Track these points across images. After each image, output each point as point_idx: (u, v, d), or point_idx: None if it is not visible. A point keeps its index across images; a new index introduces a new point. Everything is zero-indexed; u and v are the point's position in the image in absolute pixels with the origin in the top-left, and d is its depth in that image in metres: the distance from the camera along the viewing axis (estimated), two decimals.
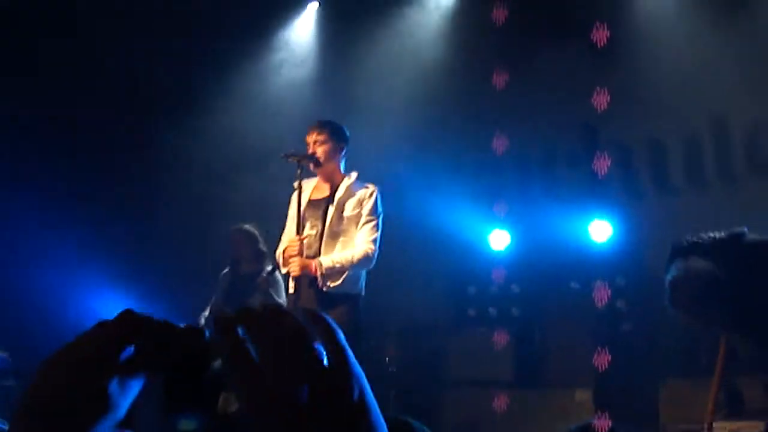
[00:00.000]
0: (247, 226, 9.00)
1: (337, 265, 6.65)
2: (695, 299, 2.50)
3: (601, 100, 8.57)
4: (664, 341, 8.94)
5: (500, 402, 7.58)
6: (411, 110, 10.12)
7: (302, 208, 6.87)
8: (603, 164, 8.57)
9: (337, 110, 8.12)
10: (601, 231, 9.42)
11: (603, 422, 2.32)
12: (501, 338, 8.50)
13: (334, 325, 0.95)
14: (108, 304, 9.20)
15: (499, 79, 8.53)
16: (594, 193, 9.27)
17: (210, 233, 9.89)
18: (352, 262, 6.65)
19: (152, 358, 0.95)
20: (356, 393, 0.91)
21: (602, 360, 7.22)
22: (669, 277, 3.01)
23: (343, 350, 0.93)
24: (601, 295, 7.13)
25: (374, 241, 6.75)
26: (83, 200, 9.39)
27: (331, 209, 6.82)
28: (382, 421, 0.93)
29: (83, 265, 8.95)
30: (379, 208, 6.86)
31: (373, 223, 6.80)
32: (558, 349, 8.89)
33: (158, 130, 9.82)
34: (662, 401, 8.18)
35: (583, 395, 8.23)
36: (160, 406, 0.92)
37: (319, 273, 6.60)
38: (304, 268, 6.61)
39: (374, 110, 9.65)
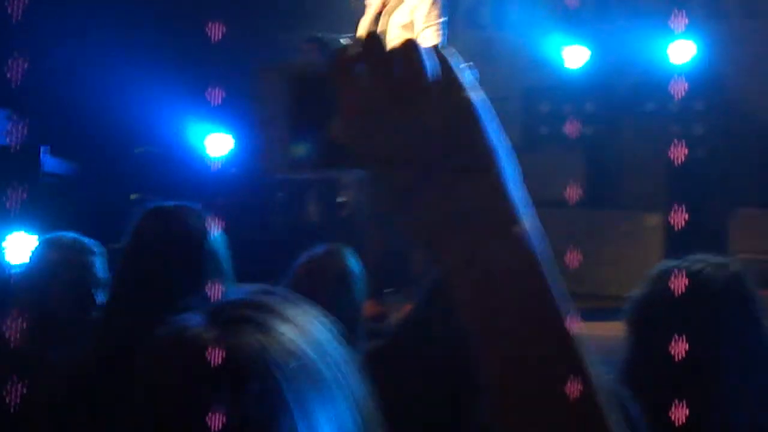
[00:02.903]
0: (319, 34, 8.82)
1: None
2: None
3: None
4: (738, 169, 8.80)
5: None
6: None
7: (368, 25, 6.70)
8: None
9: None
10: (682, 51, 9.14)
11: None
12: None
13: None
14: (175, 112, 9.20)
15: None
16: (677, 11, 8.95)
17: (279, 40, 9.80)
18: None
19: None
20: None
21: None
22: None
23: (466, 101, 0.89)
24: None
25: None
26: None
27: (383, 20, 6.60)
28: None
29: (151, 74, 8.90)
30: (440, 13, 6.49)
31: (432, 28, 6.41)
32: (630, 171, 8.78)
33: None
34: (733, 229, 8.11)
35: (654, 219, 8.17)
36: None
37: None
38: None
39: None
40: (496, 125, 0.90)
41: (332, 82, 0.86)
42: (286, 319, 0.98)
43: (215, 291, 2.45)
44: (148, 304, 2.43)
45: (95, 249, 3.18)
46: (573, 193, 8.35)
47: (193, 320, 0.98)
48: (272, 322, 0.97)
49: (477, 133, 0.88)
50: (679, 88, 8.30)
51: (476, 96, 0.89)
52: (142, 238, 2.60)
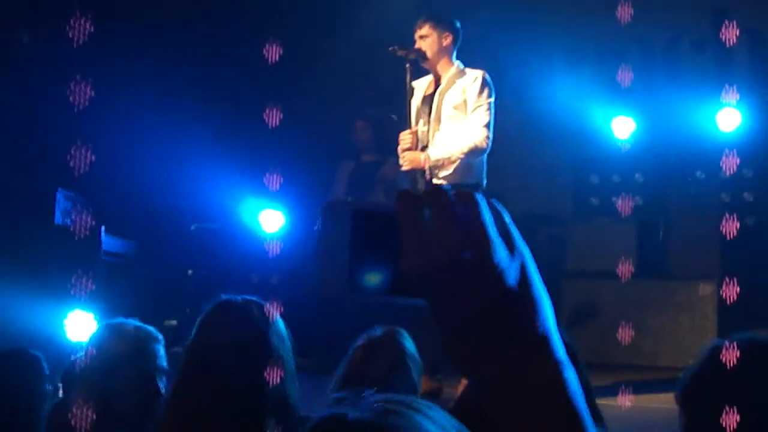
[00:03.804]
0: (371, 112, 8.96)
1: (446, 155, 6.60)
2: None
3: None
4: None
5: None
6: None
7: (418, 106, 6.86)
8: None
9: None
10: (728, 120, 9.17)
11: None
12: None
13: (508, 219, 1.00)
14: (228, 190, 9.31)
15: None
16: (722, 79, 9.01)
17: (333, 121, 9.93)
18: (462, 151, 6.57)
19: None
20: (513, 278, 0.97)
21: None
22: None
23: (510, 235, 0.99)
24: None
25: (486, 126, 6.60)
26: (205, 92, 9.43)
27: (436, 101, 6.78)
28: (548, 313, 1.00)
29: (204, 152, 9.03)
30: (489, 93, 6.70)
31: (483, 107, 6.64)
32: (682, 241, 8.80)
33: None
34: None
35: (707, 288, 8.16)
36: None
37: (426, 165, 6.58)
38: (413, 162, 6.63)
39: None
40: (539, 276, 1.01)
41: (400, 222, 0.97)
42: (425, 414, 1.09)
43: (273, 376, 2.56)
44: (210, 396, 2.54)
45: (157, 336, 3.27)
46: (625, 263, 8.38)
47: (350, 408, 1.09)
48: (415, 414, 1.08)
49: (525, 283, 0.99)
50: (729, 159, 8.32)
51: (525, 247, 1.01)
52: (207, 334, 2.71)
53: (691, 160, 9.24)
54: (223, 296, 2.78)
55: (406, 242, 0.96)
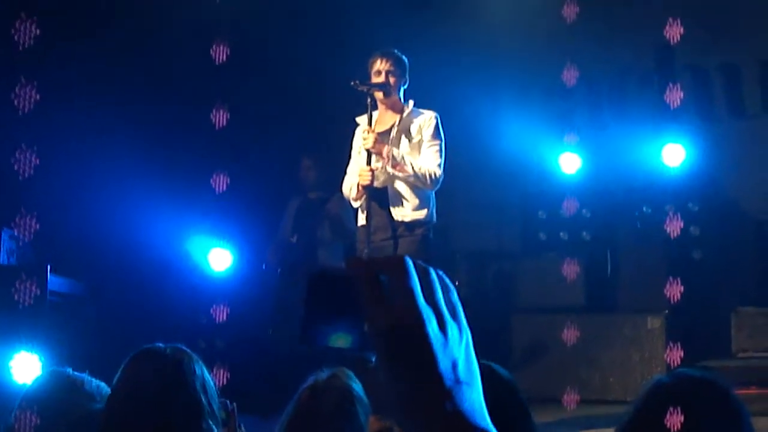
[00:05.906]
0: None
1: (407, 161, 6.58)
2: None
3: (674, 25, 8.35)
4: (736, 269, 8.88)
5: (569, 334, 7.60)
6: (478, 35, 9.96)
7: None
8: (676, 96, 8.33)
9: (405, 35, 8.02)
10: (674, 155, 9.25)
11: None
12: (571, 270, 8.47)
13: (436, 285, 1.01)
14: (177, 229, 9.24)
15: (570, 10, 8.28)
16: (667, 116, 9.11)
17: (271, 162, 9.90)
18: (420, 168, 6.57)
19: None
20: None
21: (674, 288, 7.20)
22: None
23: (447, 310, 1.01)
24: (674, 226, 7.08)
25: (439, 165, 6.68)
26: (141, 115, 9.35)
27: (393, 138, 6.79)
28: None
29: (146, 188, 8.97)
30: (441, 134, 6.80)
31: (436, 147, 6.74)
32: (629, 275, 8.86)
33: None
34: (734, 329, 8.15)
35: (655, 322, 8.22)
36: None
37: (387, 155, 6.55)
38: (377, 147, 6.60)
39: (441, 36, 9.56)
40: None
41: (359, 289, 0.99)
42: None
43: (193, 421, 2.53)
44: None
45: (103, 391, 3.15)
46: (572, 298, 8.43)
47: None
48: None
49: (468, 364, 1.03)
50: (673, 191, 8.39)
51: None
52: (126, 382, 2.73)
53: (637, 195, 9.32)
54: (146, 345, 2.80)
55: (367, 303, 0.98)
